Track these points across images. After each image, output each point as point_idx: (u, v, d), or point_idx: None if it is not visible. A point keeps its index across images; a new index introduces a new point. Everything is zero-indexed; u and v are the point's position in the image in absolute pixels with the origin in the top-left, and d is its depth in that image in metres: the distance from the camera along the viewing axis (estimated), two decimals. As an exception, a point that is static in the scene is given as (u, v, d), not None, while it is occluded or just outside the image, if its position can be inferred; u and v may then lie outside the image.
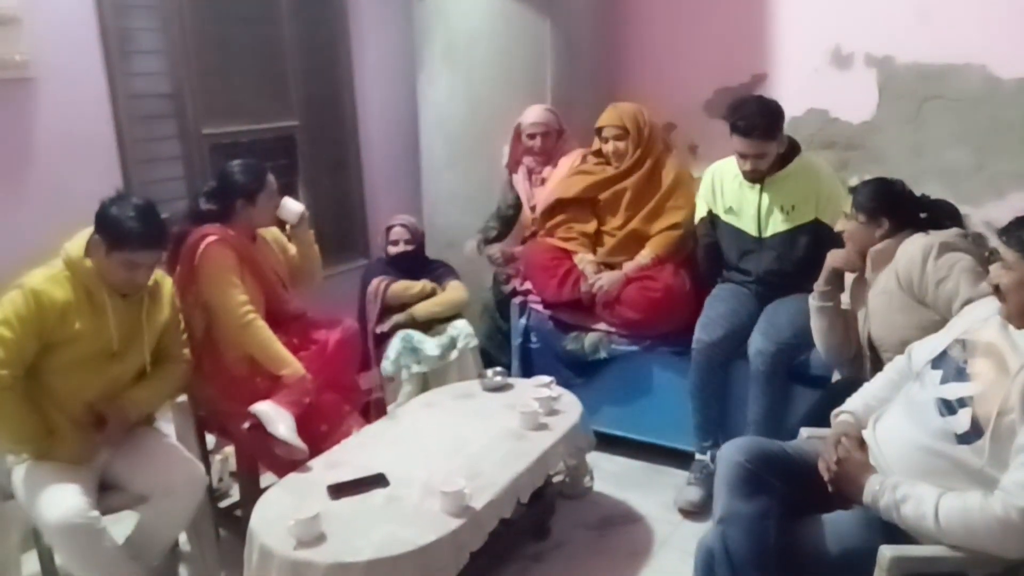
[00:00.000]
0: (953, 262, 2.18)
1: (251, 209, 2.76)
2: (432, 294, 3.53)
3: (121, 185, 3.11)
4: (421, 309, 3.47)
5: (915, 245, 2.27)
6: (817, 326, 2.55)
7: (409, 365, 3.33)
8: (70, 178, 2.96)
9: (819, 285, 2.52)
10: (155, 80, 3.37)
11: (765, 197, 2.97)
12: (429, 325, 3.48)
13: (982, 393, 1.72)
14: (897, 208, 2.38)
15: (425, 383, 3.39)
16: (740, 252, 3.10)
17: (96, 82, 3.12)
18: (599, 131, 3.44)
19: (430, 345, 3.38)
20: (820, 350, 2.61)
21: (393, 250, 3.56)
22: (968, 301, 2.07)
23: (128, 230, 2.21)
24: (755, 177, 2.94)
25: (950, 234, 2.26)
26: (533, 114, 3.61)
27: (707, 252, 3.24)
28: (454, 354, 3.43)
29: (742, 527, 1.85)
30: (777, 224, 2.97)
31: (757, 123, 2.81)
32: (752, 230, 3.02)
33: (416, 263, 3.59)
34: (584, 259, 3.37)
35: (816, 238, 2.88)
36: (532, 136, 3.61)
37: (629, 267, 3.29)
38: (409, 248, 3.56)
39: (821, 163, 3.06)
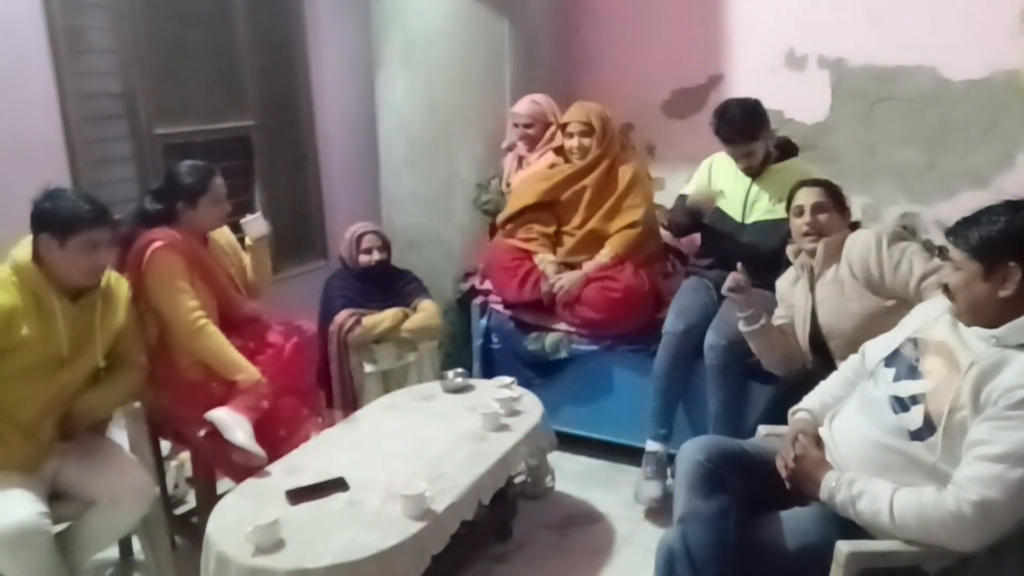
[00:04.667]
0: (904, 247, 2.39)
1: (191, 212, 2.69)
2: (402, 322, 3.29)
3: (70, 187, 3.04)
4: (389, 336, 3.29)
5: (867, 235, 2.45)
6: (757, 349, 2.65)
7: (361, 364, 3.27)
8: (15, 180, 2.86)
9: (739, 313, 2.61)
10: (106, 79, 3.30)
11: (755, 186, 3.06)
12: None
13: (934, 390, 1.76)
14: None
15: (386, 385, 3.32)
16: (720, 234, 3.17)
17: (44, 81, 3.05)
18: (563, 127, 3.44)
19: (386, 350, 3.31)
20: (770, 369, 2.68)
21: (366, 259, 3.32)
22: (924, 276, 2.27)
23: (75, 212, 2.20)
24: (751, 172, 3.07)
25: (890, 226, 2.39)
26: (519, 106, 3.73)
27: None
28: (412, 356, 3.35)
29: (702, 526, 1.86)
30: (760, 213, 3.04)
31: (738, 128, 2.95)
32: (736, 215, 3.09)
33: (386, 275, 3.41)
34: (544, 259, 3.37)
35: None
36: (516, 125, 3.73)
37: (589, 267, 3.30)
38: (384, 256, 3.37)
39: (815, 170, 3.08)
